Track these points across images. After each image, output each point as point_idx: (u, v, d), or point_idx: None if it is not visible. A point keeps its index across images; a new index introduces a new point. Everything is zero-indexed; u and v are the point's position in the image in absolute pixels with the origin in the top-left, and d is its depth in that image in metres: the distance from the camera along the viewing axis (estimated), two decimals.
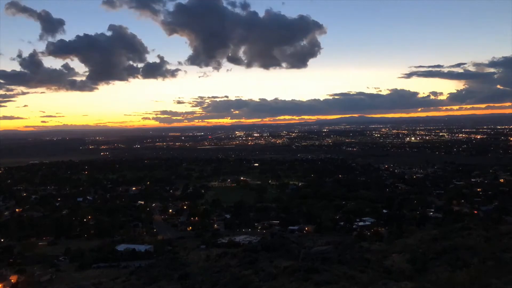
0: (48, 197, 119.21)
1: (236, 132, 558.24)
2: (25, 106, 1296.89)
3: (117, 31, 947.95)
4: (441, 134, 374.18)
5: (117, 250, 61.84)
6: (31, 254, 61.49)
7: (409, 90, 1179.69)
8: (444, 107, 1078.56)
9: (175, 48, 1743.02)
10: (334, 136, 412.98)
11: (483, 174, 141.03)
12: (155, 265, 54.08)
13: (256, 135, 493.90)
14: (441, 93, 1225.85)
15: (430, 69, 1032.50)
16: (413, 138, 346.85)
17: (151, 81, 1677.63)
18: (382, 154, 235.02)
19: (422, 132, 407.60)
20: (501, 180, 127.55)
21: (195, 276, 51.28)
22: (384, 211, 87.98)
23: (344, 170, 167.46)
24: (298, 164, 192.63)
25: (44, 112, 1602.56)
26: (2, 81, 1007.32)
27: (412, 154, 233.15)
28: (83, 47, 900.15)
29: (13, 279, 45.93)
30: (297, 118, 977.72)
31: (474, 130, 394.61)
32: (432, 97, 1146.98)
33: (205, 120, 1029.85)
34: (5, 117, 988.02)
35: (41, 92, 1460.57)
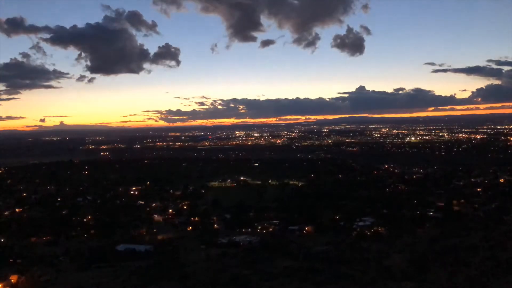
0: (48, 197, 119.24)
1: (236, 132, 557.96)
2: (24, 105, 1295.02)
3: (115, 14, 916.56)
4: (441, 134, 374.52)
5: (117, 250, 61.84)
6: (31, 254, 61.46)
7: (425, 89, 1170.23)
8: (460, 106, 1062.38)
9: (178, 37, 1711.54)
10: (334, 136, 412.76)
11: (483, 174, 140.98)
12: (155, 265, 54.21)
13: (256, 135, 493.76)
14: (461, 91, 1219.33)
15: (447, 67, 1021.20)
16: (413, 138, 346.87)
17: (153, 78, 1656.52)
18: (382, 154, 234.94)
19: (422, 132, 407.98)
20: (501, 180, 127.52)
21: (195, 276, 51.40)
22: (384, 211, 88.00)
23: (344, 170, 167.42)
24: (298, 164, 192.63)
25: (44, 111, 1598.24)
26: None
27: (412, 154, 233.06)
28: (84, 35, 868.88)
29: (13, 279, 45.94)
30: (303, 117, 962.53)
31: (474, 130, 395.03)
32: (458, 96, 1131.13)
33: (209, 120, 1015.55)
34: (5, 118, 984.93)
35: (44, 87, 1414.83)
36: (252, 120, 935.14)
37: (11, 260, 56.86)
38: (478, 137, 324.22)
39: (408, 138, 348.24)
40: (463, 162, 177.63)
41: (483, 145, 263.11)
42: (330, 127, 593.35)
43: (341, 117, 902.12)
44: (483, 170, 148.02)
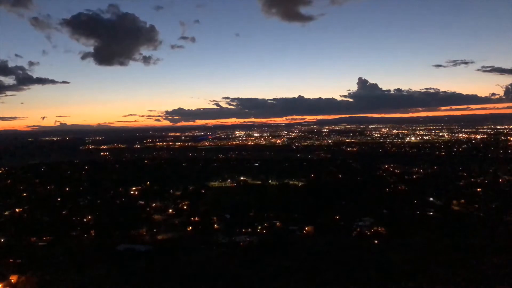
0: (48, 197, 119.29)
1: (236, 132, 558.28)
2: (21, 103, 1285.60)
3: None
4: (441, 134, 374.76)
5: (117, 250, 61.89)
6: (31, 254, 61.52)
7: (437, 88, 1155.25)
8: (475, 106, 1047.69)
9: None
10: (334, 136, 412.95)
11: (483, 174, 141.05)
12: (155, 265, 54.24)
13: (256, 135, 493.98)
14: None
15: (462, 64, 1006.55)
16: (413, 138, 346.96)
17: (157, 76, 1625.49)
18: (382, 154, 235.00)
19: (422, 132, 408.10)
20: (501, 180, 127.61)
21: (195, 276, 51.40)
22: (384, 211, 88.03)
23: (344, 170, 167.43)
24: (298, 164, 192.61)
25: (44, 111, 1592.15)
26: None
27: (412, 154, 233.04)
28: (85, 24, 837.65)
29: (13, 279, 45.99)
30: (311, 117, 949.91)
31: (474, 130, 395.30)
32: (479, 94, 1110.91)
33: (214, 120, 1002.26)
34: (4, 118, 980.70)
35: (43, 84, 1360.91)
36: (257, 120, 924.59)
37: (11, 260, 56.90)
38: (478, 137, 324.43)
39: (408, 138, 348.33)
40: (463, 162, 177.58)
41: (483, 145, 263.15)
42: (330, 127, 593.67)
43: (341, 117, 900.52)
44: (483, 170, 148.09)
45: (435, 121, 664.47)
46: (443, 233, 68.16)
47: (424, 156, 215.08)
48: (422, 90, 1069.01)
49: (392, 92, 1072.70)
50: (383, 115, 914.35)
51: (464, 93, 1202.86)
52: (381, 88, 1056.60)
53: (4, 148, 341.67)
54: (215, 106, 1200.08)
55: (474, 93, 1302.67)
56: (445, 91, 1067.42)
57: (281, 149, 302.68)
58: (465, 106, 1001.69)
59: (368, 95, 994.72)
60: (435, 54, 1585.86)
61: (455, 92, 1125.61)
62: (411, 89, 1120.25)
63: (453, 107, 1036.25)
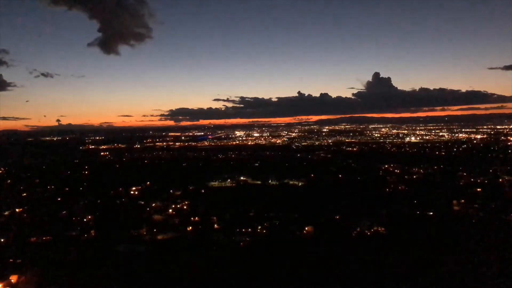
0: (48, 197, 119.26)
1: (236, 132, 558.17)
2: (26, 101, 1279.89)
3: None
4: (441, 134, 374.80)
5: (117, 250, 61.96)
6: (31, 254, 61.56)
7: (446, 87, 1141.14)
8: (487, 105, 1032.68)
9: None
10: (334, 136, 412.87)
11: (483, 174, 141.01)
12: (155, 265, 54.29)
13: (256, 135, 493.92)
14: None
15: None
16: (413, 138, 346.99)
17: (159, 74, 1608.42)
18: (382, 154, 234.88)
19: (422, 132, 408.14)
20: (501, 180, 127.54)
21: (195, 276, 51.49)
22: (384, 211, 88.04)
23: (344, 170, 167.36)
24: (298, 164, 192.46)
25: (44, 110, 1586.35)
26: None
27: (412, 154, 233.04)
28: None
29: (13, 279, 46.09)
30: (316, 117, 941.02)
31: (474, 130, 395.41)
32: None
33: (219, 120, 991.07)
34: (5, 117, 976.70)
35: (45, 76, 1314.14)
36: (261, 120, 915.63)
37: (11, 260, 56.97)
38: (478, 137, 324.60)
39: (408, 138, 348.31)
40: (463, 162, 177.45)
41: (484, 144, 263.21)
42: (330, 127, 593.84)
43: (341, 117, 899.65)
44: (483, 170, 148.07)
45: (436, 120, 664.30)
46: (443, 233, 68.25)
47: (424, 156, 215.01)
48: (436, 89, 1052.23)
49: (407, 90, 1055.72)
50: (383, 115, 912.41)
51: (490, 91, 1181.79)
52: (396, 87, 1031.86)
53: (4, 148, 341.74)
54: (218, 106, 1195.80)
55: (501, 93, 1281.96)
56: (467, 90, 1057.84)
57: (281, 149, 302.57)
58: (482, 106, 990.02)
59: (380, 94, 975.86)
60: (451, 53, 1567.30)
61: (480, 91, 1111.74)
62: (427, 88, 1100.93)
63: (468, 106, 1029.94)
